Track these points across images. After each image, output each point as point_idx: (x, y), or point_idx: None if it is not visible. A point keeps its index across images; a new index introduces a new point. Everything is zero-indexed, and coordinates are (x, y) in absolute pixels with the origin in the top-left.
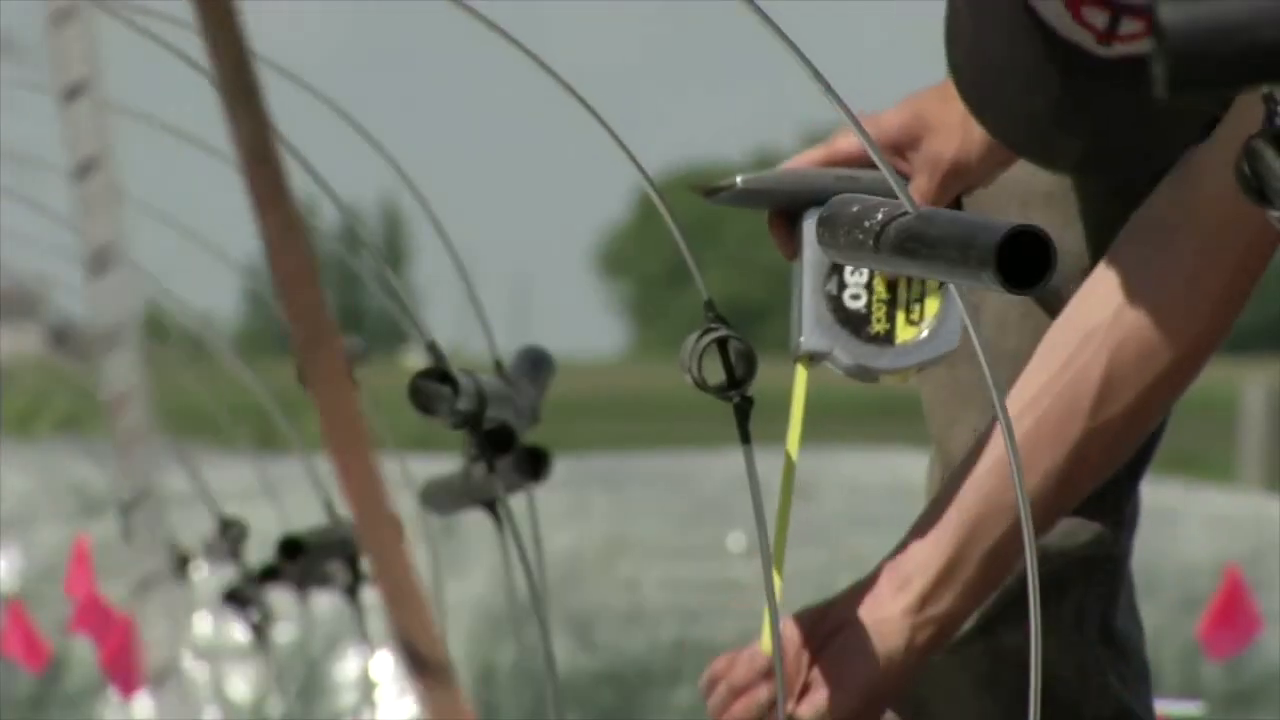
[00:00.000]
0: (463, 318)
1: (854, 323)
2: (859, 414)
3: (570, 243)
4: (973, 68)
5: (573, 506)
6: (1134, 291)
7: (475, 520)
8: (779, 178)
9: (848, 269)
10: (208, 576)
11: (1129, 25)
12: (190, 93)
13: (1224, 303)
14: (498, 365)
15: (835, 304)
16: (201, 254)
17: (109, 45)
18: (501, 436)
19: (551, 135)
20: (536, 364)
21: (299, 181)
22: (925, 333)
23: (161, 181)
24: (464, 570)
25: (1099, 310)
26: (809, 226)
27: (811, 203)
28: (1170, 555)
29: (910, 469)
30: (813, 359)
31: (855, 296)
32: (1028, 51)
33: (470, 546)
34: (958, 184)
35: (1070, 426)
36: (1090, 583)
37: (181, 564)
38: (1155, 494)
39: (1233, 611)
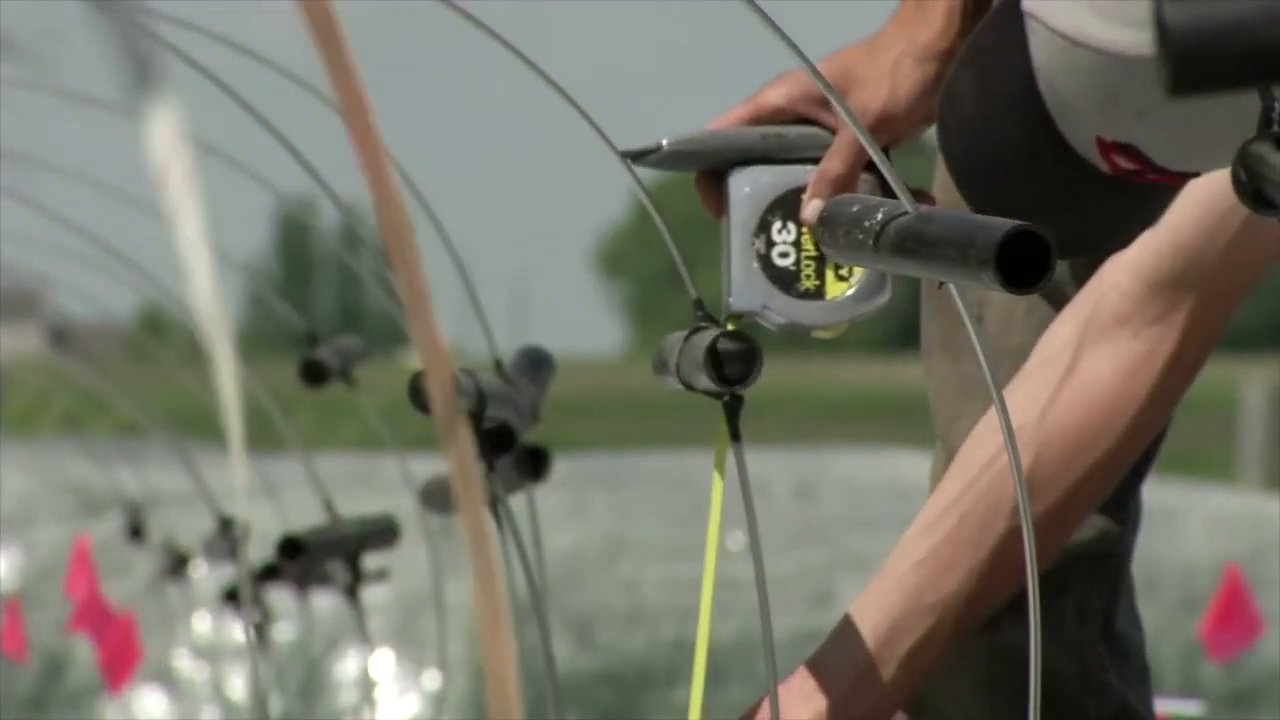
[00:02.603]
0: (462, 318)
1: (784, 280)
2: (859, 414)
3: (569, 242)
4: (966, 141)
5: (573, 506)
6: (1062, 389)
7: None
8: (705, 138)
9: (775, 226)
10: (207, 576)
11: (1153, 177)
12: (190, 93)
13: (1160, 394)
14: (497, 365)
15: (764, 262)
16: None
17: (109, 46)
18: (501, 436)
19: (551, 135)
20: (536, 364)
21: (299, 181)
22: (855, 288)
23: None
24: (464, 570)
25: (1026, 408)
26: (735, 184)
27: (738, 161)
28: (1170, 555)
29: (910, 469)
30: (742, 318)
31: (784, 254)
32: (1033, 148)
33: None
34: (884, 136)
35: (993, 526)
36: (1093, 580)
37: (181, 564)
38: (1155, 494)
39: (1233, 612)
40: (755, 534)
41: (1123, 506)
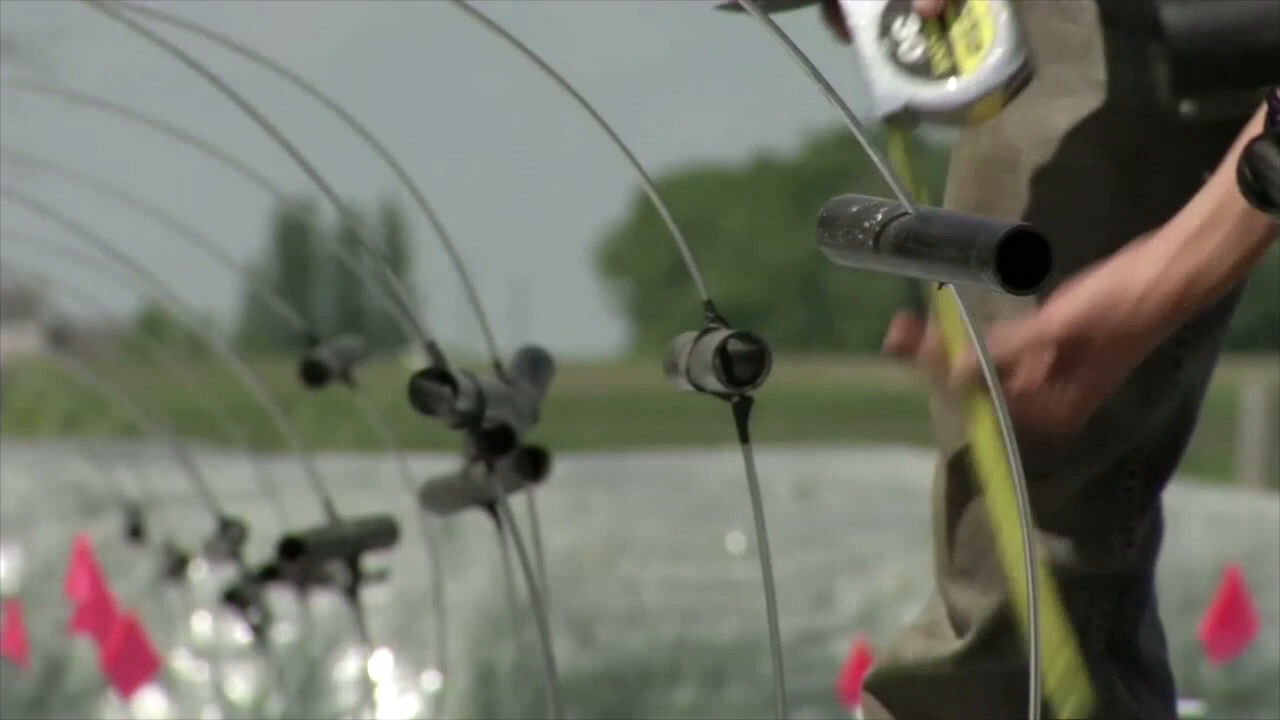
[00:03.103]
0: (462, 317)
1: (919, 70)
2: (859, 414)
3: (570, 243)
4: None
5: (573, 506)
6: None
7: (475, 520)
8: None
9: (896, 24)
10: (207, 576)
11: None
12: (190, 92)
13: None
14: (497, 365)
15: (895, 61)
16: (201, 254)
17: (109, 45)
18: (501, 436)
19: (551, 135)
20: (536, 364)
21: (299, 181)
22: (990, 55)
23: (162, 181)
24: (464, 570)
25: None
26: None
27: None
28: (1170, 555)
29: (910, 469)
30: (893, 120)
31: (912, 47)
32: None
33: (470, 546)
34: None
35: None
36: (1094, 598)
37: (181, 565)
38: None
39: (1233, 612)
40: (763, 537)
41: (1129, 529)
